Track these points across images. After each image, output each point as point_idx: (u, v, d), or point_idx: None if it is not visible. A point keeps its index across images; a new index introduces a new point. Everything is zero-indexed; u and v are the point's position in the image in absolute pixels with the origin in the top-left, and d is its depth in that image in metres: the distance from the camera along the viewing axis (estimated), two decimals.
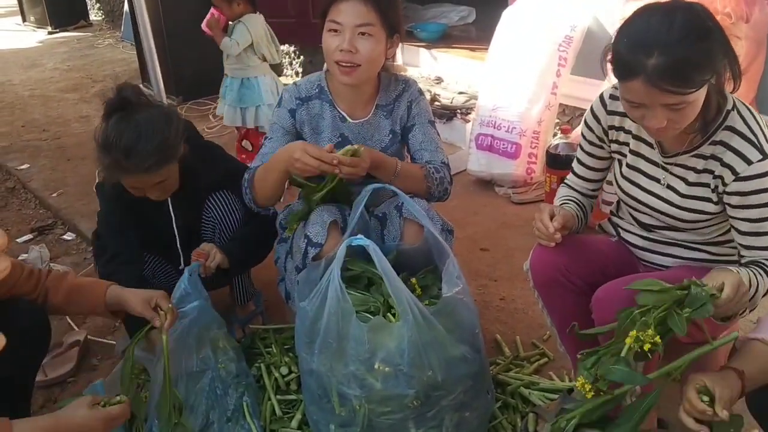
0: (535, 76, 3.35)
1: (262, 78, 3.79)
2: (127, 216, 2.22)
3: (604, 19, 3.38)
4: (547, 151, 3.25)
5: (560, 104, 3.54)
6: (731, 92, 1.63)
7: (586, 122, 1.89)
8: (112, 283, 1.85)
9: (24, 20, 7.93)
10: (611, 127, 1.83)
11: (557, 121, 3.60)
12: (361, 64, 2.00)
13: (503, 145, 3.44)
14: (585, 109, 3.42)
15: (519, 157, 3.41)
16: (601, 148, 1.89)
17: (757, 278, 1.62)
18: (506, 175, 3.47)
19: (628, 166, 1.82)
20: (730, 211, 1.67)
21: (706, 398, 1.40)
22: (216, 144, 2.45)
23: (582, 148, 1.94)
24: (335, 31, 1.99)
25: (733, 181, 1.62)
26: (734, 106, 1.64)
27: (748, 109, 1.65)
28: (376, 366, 1.71)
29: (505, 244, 3.03)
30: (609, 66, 1.59)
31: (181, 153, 2.10)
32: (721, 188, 1.66)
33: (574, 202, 1.96)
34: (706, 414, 1.38)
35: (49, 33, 7.56)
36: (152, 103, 2.12)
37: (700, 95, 1.53)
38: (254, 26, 3.66)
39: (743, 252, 1.69)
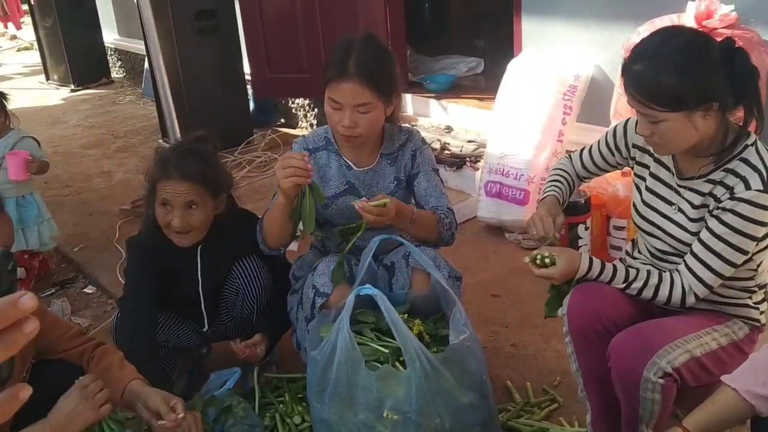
0: (542, 125, 3.43)
1: (36, 193, 3.53)
2: (154, 272, 2.29)
3: (607, 67, 3.48)
4: None
5: (567, 151, 3.61)
6: (756, 132, 1.68)
7: (615, 129, 1.97)
8: (136, 378, 1.88)
9: (47, 78, 8.16)
10: (635, 146, 1.91)
11: None
12: (362, 134, 2.10)
13: (512, 192, 3.51)
14: None
15: (528, 204, 3.46)
16: (613, 155, 1.98)
17: (645, 276, 1.77)
18: (516, 221, 3.51)
19: (648, 189, 1.88)
20: (706, 221, 1.71)
21: None
22: (253, 213, 2.51)
23: (598, 144, 2.02)
24: (336, 109, 2.08)
25: (728, 198, 1.66)
26: (755, 143, 1.69)
27: None
28: (385, 414, 1.75)
29: (516, 290, 3.06)
30: None
31: (218, 194, 2.25)
32: (713, 205, 1.70)
33: (566, 180, 2.08)
34: None
35: (72, 90, 7.76)
36: None
37: (675, 120, 1.61)
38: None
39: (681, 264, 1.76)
